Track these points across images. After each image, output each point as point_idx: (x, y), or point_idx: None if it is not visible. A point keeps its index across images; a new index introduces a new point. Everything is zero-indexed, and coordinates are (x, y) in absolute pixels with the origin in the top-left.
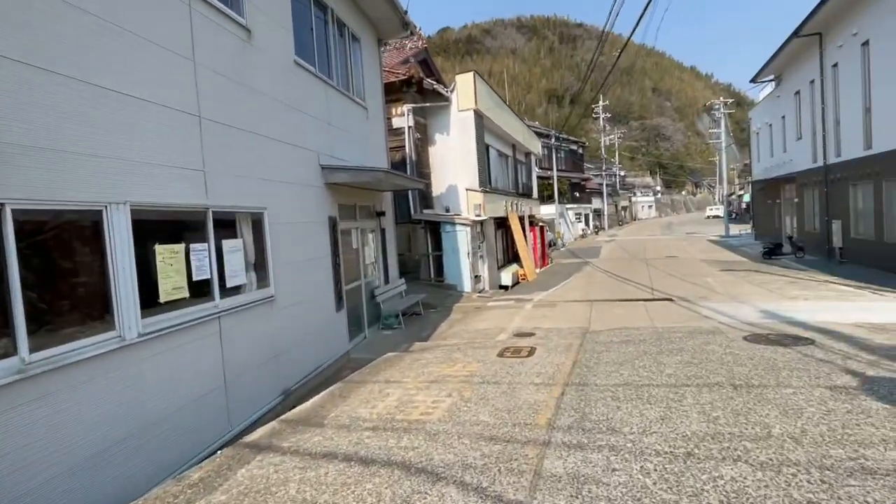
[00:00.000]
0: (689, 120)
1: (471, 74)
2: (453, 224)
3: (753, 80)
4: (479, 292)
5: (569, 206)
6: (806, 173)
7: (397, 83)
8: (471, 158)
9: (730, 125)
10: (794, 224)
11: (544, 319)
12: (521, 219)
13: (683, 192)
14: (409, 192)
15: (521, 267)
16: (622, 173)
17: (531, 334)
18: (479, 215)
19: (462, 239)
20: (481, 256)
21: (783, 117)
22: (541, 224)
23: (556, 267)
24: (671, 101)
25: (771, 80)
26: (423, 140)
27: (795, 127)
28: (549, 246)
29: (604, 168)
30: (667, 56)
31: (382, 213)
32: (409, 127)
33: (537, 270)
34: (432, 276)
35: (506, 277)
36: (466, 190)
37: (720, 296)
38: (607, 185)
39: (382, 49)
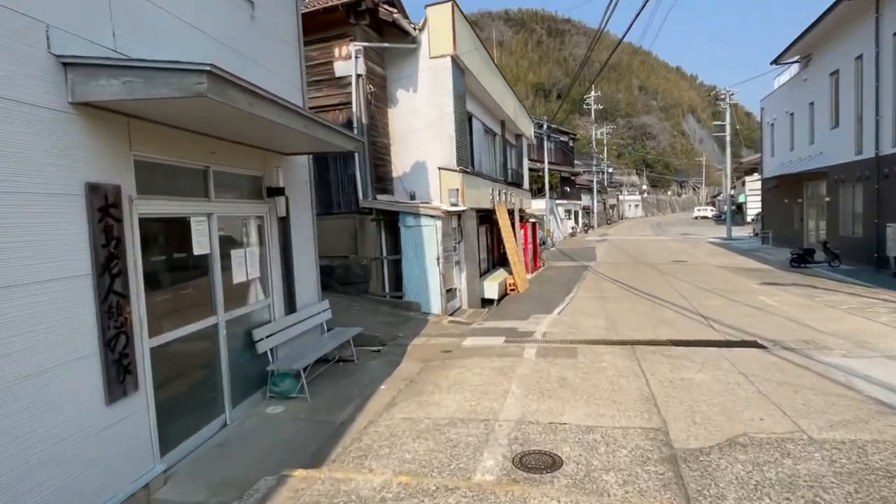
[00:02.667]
0: (674, 120)
1: (448, 5)
2: (417, 216)
3: (775, 62)
4: (453, 313)
5: (558, 201)
6: (843, 167)
7: (340, 9)
8: (446, 126)
9: (712, 128)
10: (819, 227)
11: (565, 393)
12: (511, 213)
13: (669, 192)
14: (357, 168)
15: (511, 273)
16: (610, 170)
17: (552, 463)
18: (455, 204)
19: (430, 237)
20: (457, 262)
21: (811, 104)
22: (532, 220)
23: (551, 272)
24: (657, 101)
25: (795, 62)
26: (381, 98)
27: (829, 113)
28: (541, 245)
29: (594, 163)
30: (653, 55)
31: (280, 192)
32: (359, 76)
33: (529, 276)
34: (387, 289)
35: (490, 289)
36: (440, 169)
37: (829, 337)
38: (596, 181)
39: None
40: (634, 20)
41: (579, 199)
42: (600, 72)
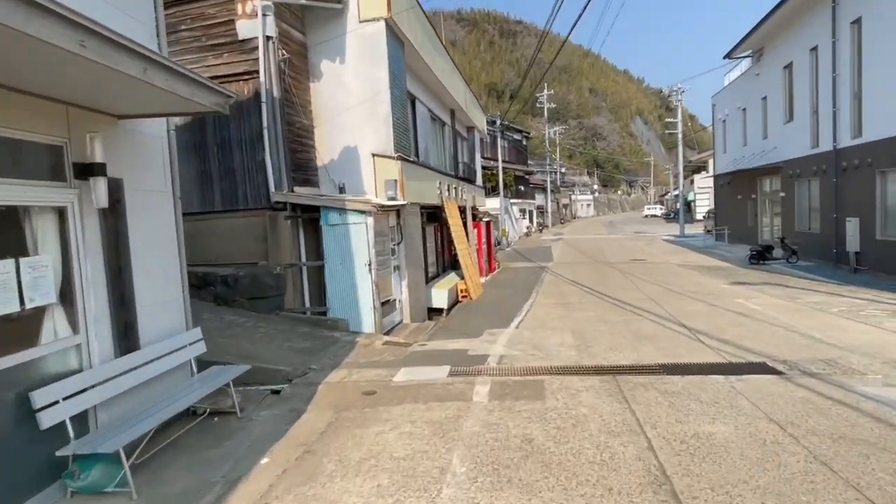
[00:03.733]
0: (623, 122)
1: None
2: (343, 211)
3: (728, 56)
4: (391, 330)
5: (513, 200)
6: (799, 162)
7: None
8: (382, 104)
9: (659, 129)
10: (773, 223)
11: (531, 472)
12: (462, 210)
13: (619, 192)
14: (268, 153)
15: (462, 278)
16: (563, 170)
17: None
18: (393, 198)
19: (359, 237)
20: (396, 268)
21: (764, 98)
22: (486, 219)
23: (508, 274)
24: (607, 102)
25: (747, 56)
26: (300, 69)
27: (783, 108)
28: (496, 245)
29: (548, 162)
30: (602, 58)
31: (97, 171)
32: (268, 38)
33: (483, 280)
34: (308, 304)
35: (439, 297)
36: (374, 156)
37: (848, 353)
38: (549, 181)
39: None
40: (577, 20)
41: (533, 198)
42: (548, 68)
